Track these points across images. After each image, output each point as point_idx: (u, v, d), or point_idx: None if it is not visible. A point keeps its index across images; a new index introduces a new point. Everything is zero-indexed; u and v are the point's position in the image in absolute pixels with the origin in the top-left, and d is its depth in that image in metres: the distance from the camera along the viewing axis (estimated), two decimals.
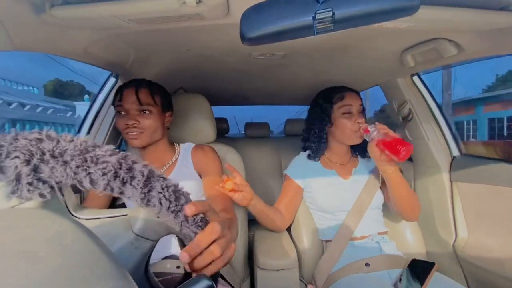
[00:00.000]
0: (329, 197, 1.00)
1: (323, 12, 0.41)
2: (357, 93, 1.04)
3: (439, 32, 0.79)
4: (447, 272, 0.90)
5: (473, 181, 1.05)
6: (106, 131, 1.11)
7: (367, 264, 0.89)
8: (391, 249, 0.96)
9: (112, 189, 0.27)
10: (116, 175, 0.27)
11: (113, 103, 0.90)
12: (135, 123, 0.84)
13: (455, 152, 1.16)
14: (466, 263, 1.03)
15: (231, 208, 0.88)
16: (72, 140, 0.27)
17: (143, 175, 0.28)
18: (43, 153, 0.26)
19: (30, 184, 0.25)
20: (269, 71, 1.27)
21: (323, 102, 1.04)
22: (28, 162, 0.25)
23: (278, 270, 0.92)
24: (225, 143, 1.17)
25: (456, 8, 0.60)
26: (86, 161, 0.26)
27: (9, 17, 0.55)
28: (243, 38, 0.47)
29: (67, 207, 0.31)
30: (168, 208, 0.30)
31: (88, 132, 1.11)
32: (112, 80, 1.11)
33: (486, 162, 1.03)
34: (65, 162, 0.26)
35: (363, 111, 1.03)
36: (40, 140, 0.26)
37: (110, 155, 0.28)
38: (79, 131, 1.12)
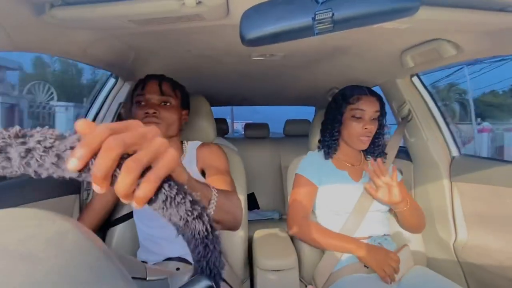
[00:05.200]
0: (340, 199, 0.99)
1: (323, 12, 0.41)
2: (378, 97, 1.02)
3: (438, 32, 0.79)
4: (447, 273, 0.90)
5: (472, 182, 1.05)
6: None
7: (366, 266, 0.89)
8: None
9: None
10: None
11: (132, 94, 0.92)
12: (155, 112, 0.84)
13: (455, 153, 1.17)
14: (466, 264, 1.03)
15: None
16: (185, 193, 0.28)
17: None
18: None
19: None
20: (269, 72, 1.27)
21: (339, 100, 1.03)
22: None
23: (278, 270, 0.92)
24: (225, 144, 1.17)
25: (456, 9, 0.61)
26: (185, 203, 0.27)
27: (8, 18, 0.55)
28: (243, 39, 0.47)
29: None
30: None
31: None
32: (112, 80, 1.11)
33: (485, 162, 1.03)
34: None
35: (380, 117, 1.02)
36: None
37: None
38: None
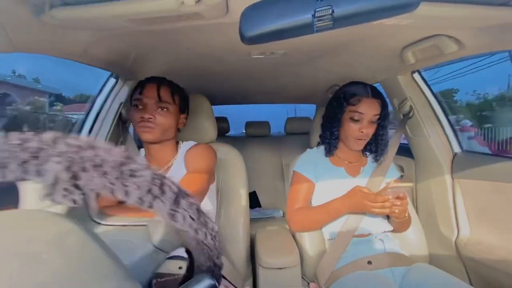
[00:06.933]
0: (337, 195, 0.98)
1: (323, 9, 0.41)
2: (380, 99, 0.99)
3: (439, 28, 0.78)
4: (449, 269, 0.90)
5: (474, 178, 1.04)
6: (107, 132, 1.11)
7: (369, 262, 0.89)
8: (394, 247, 0.96)
9: (142, 202, 0.28)
10: (149, 190, 0.28)
11: (131, 97, 0.91)
12: (151, 118, 0.84)
13: (457, 149, 1.16)
14: (468, 260, 1.03)
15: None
16: (111, 150, 0.28)
17: (172, 192, 0.29)
18: (84, 161, 0.26)
19: (65, 189, 0.26)
20: (269, 69, 1.26)
21: (341, 98, 1.01)
22: (68, 168, 0.25)
23: (280, 268, 0.92)
24: (226, 143, 1.17)
25: (456, 4, 0.60)
26: (123, 173, 0.27)
27: (8, 19, 0.55)
28: (242, 37, 0.47)
29: (88, 213, 0.31)
30: (191, 225, 0.30)
31: (89, 133, 1.11)
32: (112, 80, 1.11)
33: (487, 158, 1.03)
34: (104, 173, 0.27)
35: (381, 119, 1.00)
36: (80, 147, 0.26)
37: (145, 169, 0.28)
38: (80, 131, 1.12)
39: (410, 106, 1.19)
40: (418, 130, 1.21)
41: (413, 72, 1.16)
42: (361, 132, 0.97)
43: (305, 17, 0.42)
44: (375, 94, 0.98)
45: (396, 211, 0.85)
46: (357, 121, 0.97)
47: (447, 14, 0.63)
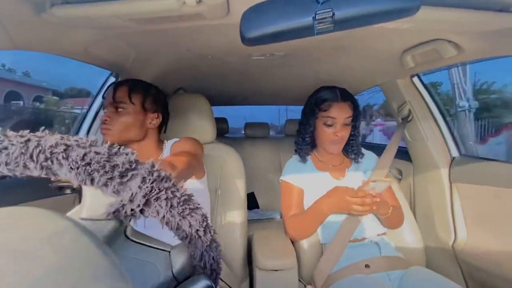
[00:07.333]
0: None
1: (323, 12, 0.41)
2: (351, 101, 1.00)
3: (439, 33, 0.79)
4: (446, 273, 0.90)
5: (472, 182, 1.05)
6: None
7: (367, 266, 0.89)
8: (390, 250, 0.96)
9: (186, 237, 0.30)
10: (197, 231, 0.31)
11: None
12: (106, 119, 0.84)
13: (455, 153, 1.16)
14: (465, 264, 1.03)
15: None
16: (181, 187, 0.30)
17: (211, 235, 0.32)
18: (160, 192, 0.28)
19: (132, 210, 0.27)
20: (269, 71, 1.27)
21: (312, 105, 1.02)
22: (145, 195, 0.27)
23: (277, 270, 0.92)
24: (225, 143, 1.16)
25: (456, 9, 0.61)
26: (184, 211, 0.29)
27: (9, 16, 0.55)
28: (243, 38, 0.47)
29: (125, 228, 0.33)
30: (211, 265, 0.33)
31: (88, 131, 1.11)
32: (112, 79, 1.11)
33: (485, 163, 1.03)
34: (171, 206, 0.29)
35: (354, 120, 1.01)
36: (159, 176, 0.28)
37: (199, 209, 0.31)
38: (78, 130, 1.12)
39: (409, 109, 1.20)
40: (417, 133, 1.21)
41: (412, 76, 1.17)
42: (336, 136, 0.98)
43: (306, 19, 0.42)
44: (345, 97, 0.99)
45: (374, 207, 0.86)
46: (330, 125, 0.99)
47: (447, 19, 0.63)
